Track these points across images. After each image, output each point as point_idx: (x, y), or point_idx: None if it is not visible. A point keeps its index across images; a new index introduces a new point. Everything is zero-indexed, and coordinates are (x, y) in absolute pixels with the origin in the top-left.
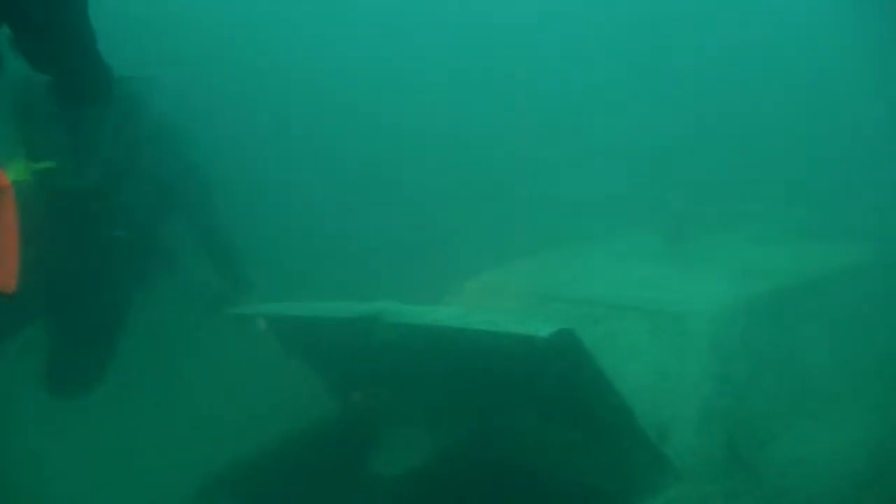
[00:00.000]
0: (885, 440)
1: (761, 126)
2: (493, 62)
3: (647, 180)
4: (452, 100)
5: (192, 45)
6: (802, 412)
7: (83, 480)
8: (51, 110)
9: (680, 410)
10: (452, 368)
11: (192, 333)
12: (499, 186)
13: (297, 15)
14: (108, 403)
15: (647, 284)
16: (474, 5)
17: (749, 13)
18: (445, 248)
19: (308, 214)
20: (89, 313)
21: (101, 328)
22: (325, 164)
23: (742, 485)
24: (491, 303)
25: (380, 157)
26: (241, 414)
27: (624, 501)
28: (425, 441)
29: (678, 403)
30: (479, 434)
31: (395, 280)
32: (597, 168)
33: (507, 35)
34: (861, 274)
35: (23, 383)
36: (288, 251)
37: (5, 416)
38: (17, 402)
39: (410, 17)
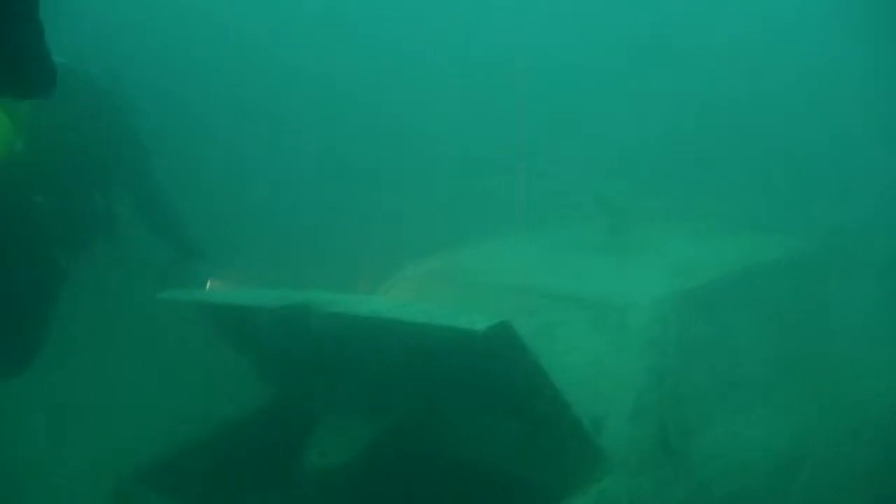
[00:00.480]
0: (803, 431)
1: (702, 123)
2: (449, 51)
3: (590, 173)
4: (406, 88)
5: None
6: (730, 403)
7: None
8: None
9: (615, 402)
10: (387, 359)
11: (127, 313)
12: (441, 175)
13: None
14: (39, 383)
15: (587, 275)
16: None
17: (705, 11)
18: (388, 233)
19: (259, 196)
20: (14, 283)
21: (28, 299)
22: (280, 146)
23: (671, 476)
24: (429, 291)
25: (331, 142)
26: (169, 401)
27: (557, 493)
28: (359, 432)
29: (613, 395)
30: (414, 425)
31: (338, 263)
32: (540, 160)
33: (467, 27)
34: (789, 266)
35: None
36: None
37: None
38: None
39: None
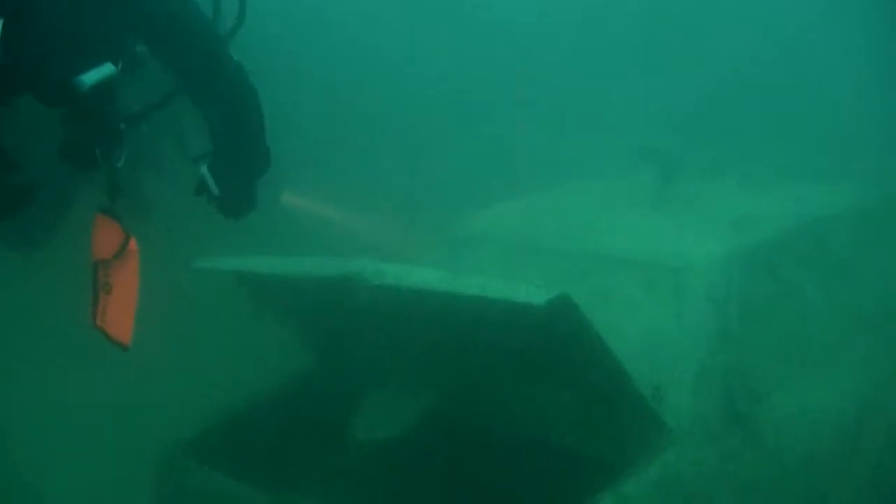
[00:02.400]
0: (875, 392)
1: (751, 70)
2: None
3: (633, 124)
4: (445, 39)
5: None
6: (797, 365)
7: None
8: None
9: (676, 370)
10: (438, 331)
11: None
12: (479, 129)
13: None
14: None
15: (639, 235)
16: None
17: None
18: (433, 185)
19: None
20: None
21: None
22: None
23: (738, 445)
24: (472, 254)
25: (369, 92)
26: (212, 373)
27: (617, 467)
28: (409, 405)
29: (675, 363)
30: (467, 399)
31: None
32: (585, 113)
33: None
34: (852, 216)
35: None
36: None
37: None
38: None
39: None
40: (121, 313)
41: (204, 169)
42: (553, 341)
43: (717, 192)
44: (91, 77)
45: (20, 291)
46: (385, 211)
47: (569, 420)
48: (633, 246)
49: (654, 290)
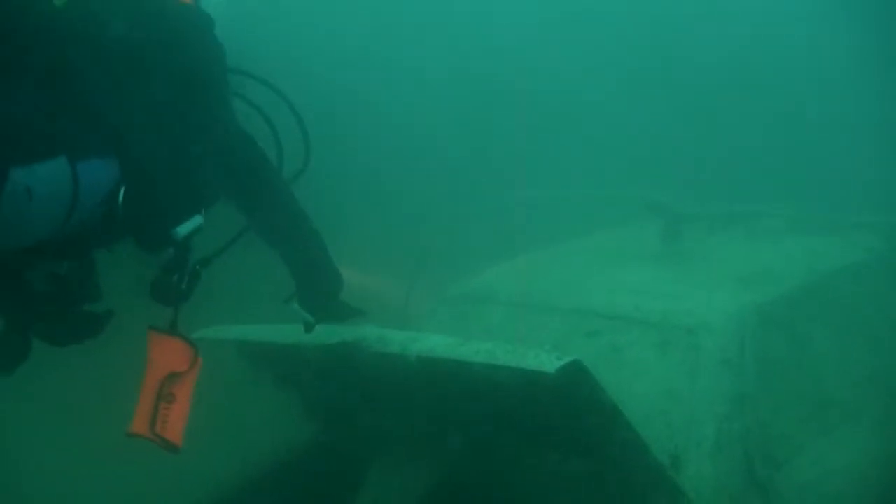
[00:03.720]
0: (892, 456)
1: (753, 124)
2: (474, 63)
3: (639, 180)
4: (435, 104)
5: None
6: (818, 427)
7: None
8: None
9: (693, 435)
10: (445, 399)
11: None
12: (483, 188)
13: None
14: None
15: (647, 291)
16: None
17: (737, 13)
18: (430, 251)
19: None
20: None
21: None
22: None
23: None
24: (476, 314)
25: (366, 160)
26: (209, 443)
27: None
28: (415, 478)
29: (691, 428)
30: (477, 469)
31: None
32: (588, 168)
33: (493, 37)
34: (863, 269)
35: None
36: None
37: None
38: None
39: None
40: (177, 420)
41: (296, 307)
42: (565, 409)
43: (725, 246)
44: (185, 228)
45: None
46: (389, 270)
47: (584, 490)
48: (642, 304)
49: (667, 351)
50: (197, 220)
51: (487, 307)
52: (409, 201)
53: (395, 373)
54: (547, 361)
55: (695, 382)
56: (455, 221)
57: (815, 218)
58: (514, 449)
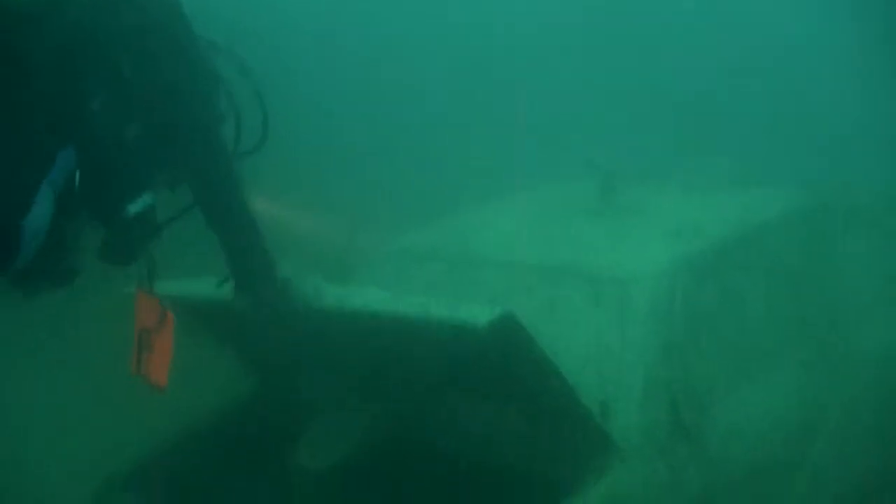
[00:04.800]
0: (818, 396)
1: (684, 76)
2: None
3: (575, 134)
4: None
5: None
6: (742, 373)
7: None
8: None
9: (623, 385)
10: (381, 352)
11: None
12: (418, 141)
13: None
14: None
15: (582, 245)
16: None
17: None
18: (363, 207)
19: None
20: None
21: None
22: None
23: (686, 457)
24: (413, 268)
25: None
26: (147, 399)
27: (566, 487)
28: (351, 429)
29: (621, 378)
30: (412, 422)
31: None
32: (522, 123)
33: None
34: (795, 222)
35: None
36: None
37: None
38: None
39: None
40: (159, 365)
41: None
42: (498, 360)
43: (659, 201)
44: (135, 207)
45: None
46: (329, 218)
47: (515, 439)
48: (577, 258)
49: (600, 303)
50: (147, 199)
51: (426, 263)
52: (358, 149)
53: (330, 327)
54: (479, 313)
55: (625, 333)
56: (396, 174)
57: (746, 172)
58: (450, 399)
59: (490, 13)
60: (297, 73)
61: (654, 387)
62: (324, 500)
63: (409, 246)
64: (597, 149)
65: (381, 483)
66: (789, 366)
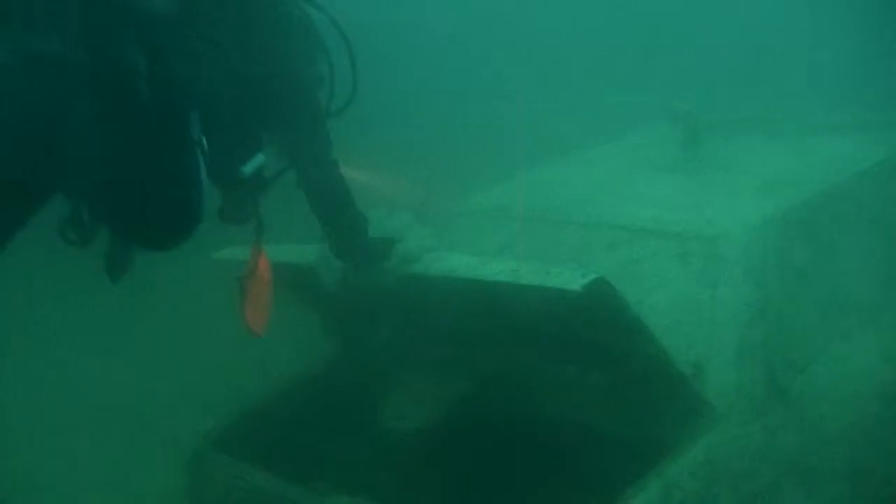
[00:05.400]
0: None
1: (769, 26)
2: None
3: (655, 85)
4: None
5: None
6: (838, 331)
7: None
8: None
9: (715, 344)
10: (468, 317)
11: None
12: (492, 98)
13: None
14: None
15: (666, 202)
16: None
17: None
18: (439, 166)
19: None
20: None
21: None
22: None
23: (782, 419)
24: (493, 229)
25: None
26: (235, 362)
27: (658, 450)
28: (438, 392)
29: (713, 337)
30: (500, 385)
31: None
32: (598, 76)
33: None
34: (886, 171)
35: None
36: None
37: None
38: None
39: None
40: (260, 315)
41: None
42: (588, 324)
43: (745, 153)
44: (250, 167)
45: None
46: (404, 177)
47: (605, 402)
48: (661, 214)
49: (687, 262)
50: (259, 159)
51: (502, 222)
52: (426, 112)
53: (419, 291)
54: (571, 279)
55: (716, 292)
56: (469, 134)
57: (835, 119)
58: (538, 364)
59: None
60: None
61: (748, 346)
62: (411, 461)
63: (483, 205)
64: (677, 98)
65: (467, 445)
66: (886, 323)
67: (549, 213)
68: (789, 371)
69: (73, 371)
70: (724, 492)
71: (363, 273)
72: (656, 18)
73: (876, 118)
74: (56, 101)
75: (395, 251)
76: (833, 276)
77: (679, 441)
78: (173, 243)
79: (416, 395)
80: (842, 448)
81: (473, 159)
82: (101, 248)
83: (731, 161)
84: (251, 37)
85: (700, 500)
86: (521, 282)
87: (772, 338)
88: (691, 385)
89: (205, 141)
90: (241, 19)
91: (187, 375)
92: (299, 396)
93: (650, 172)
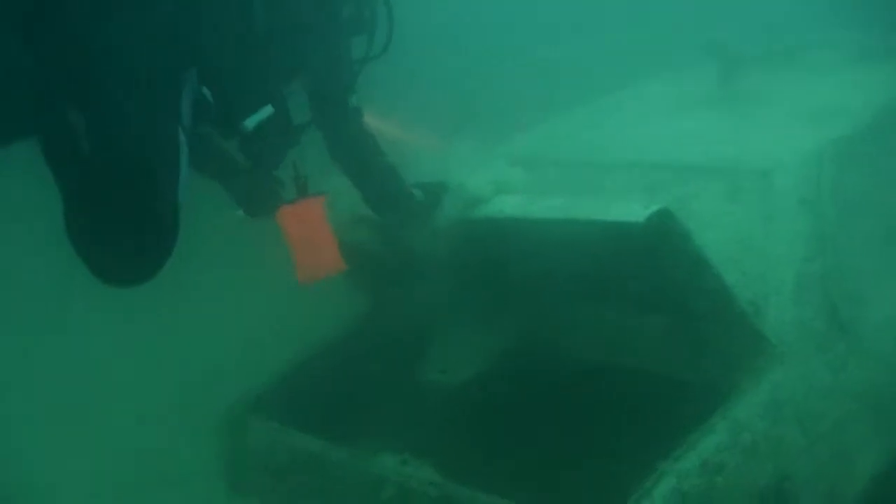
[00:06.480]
0: None
1: None
2: None
3: (687, 17)
4: None
5: None
6: (893, 263)
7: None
8: None
9: (772, 281)
10: (512, 261)
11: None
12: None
13: None
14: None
15: (711, 137)
16: None
17: None
18: (474, 110)
19: None
20: None
21: None
22: None
23: (845, 354)
24: (532, 173)
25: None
26: (264, 322)
27: (723, 391)
28: (484, 341)
29: (769, 273)
30: (548, 334)
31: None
32: (628, 10)
33: None
34: None
35: None
36: None
37: None
38: None
39: None
40: (331, 254)
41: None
42: (650, 261)
43: (787, 84)
44: (253, 120)
45: None
46: (431, 123)
47: (662, 345)
48: (706, 150)
49: (738, 198)
50: (266, 111)
51: (540, 167)
52: (451, 56)
53: (461, 235)
54: (632, 211)
55: (770, 226)
56: (498, 77)
57: (877, 44)
58: (591, 308)
59: None
60: None
61: (806, 281)
62: (457, 416)
63: (517, 149)
64: (709, 31)
65: (516, 397)
66: None
67: (586, 155)
68: (850, 305)
69: (101, 345)
70: (793, 431)
71: (406, 230)
72: None
73: None
74: None
75: (436, 199)
76: (889, 206)
77: (742, 381)
78: (130, 270)
79: (459, 347)
80: None
81: (504, 102)
82: None
83: (772, 93)
84: None
85: (769, 440)
86: (577, 217)
87: (830, 271)
88: (752, 322)
89: (207, 93)
90: None
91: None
92: (335, 356)
93: (690, 109)
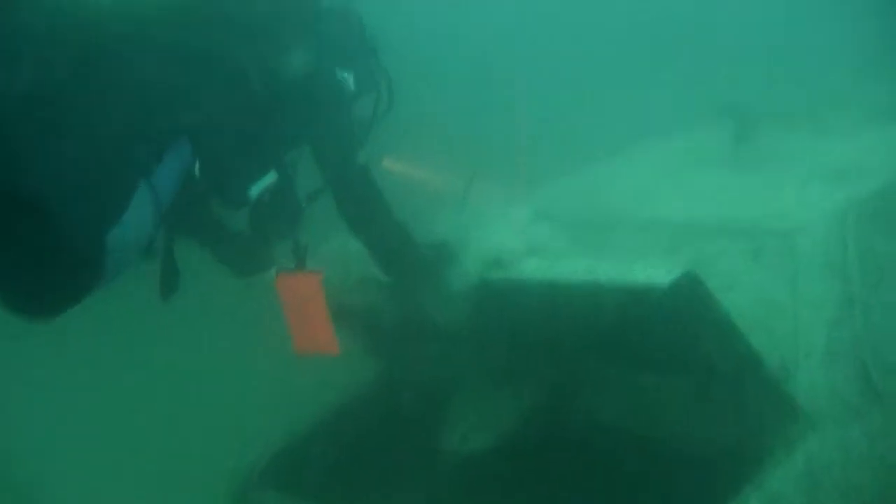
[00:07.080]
0: None
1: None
2: None
3: (699, 76)
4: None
5: None
6: None
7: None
8: None
9: (801, 344)
10: (534, 324)
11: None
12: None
13: None
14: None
15: (728, 197)
16: None
17: None
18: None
19: None
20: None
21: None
22: None
23: (882, 422)
24: (553, 232)
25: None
26: (275, 389)
27: (755, 460)
28: (503, 407)
29: (797, 337)
30: (570, 398)
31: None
32: (642, 66)
33: None
34: None
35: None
36: None
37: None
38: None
39: None
40: (324, 332)
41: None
42: (674, 324)
43: (803, 143)
44: (257, 188)
45: None
46: (448, 168)
47: (688, 410)
48: (724, 211)
49: (761, 259)
50: (269, 178)
51: (557, 225)
52: (471, 103)
53: (478, 300)
54: (657, 274)
55: (796, 289)
56: (515, 132)
57: (890, 105)
58: (614, 373)
59: None
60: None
61: (837, 345)
62: (478, 486)
63: (536, 206)
64: (729, 86)
65: (538, 466)
66: None
67: (601, 213)
68: (884, 371)
69: (111, 396)
70: None
71: (418, 291)
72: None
73: None
74: None
75: (448, 260)
76: None
77: (774, 449)
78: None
79: (478, 413)
80: None
81: (521, 157)
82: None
83: (790, 153)
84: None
85: None
86: (600, 279)
87: (861, 334)
88: (784, 388)
89: (197, 165)
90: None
91: (228, 403)
92: (345, 423)
93: (706, 168)
